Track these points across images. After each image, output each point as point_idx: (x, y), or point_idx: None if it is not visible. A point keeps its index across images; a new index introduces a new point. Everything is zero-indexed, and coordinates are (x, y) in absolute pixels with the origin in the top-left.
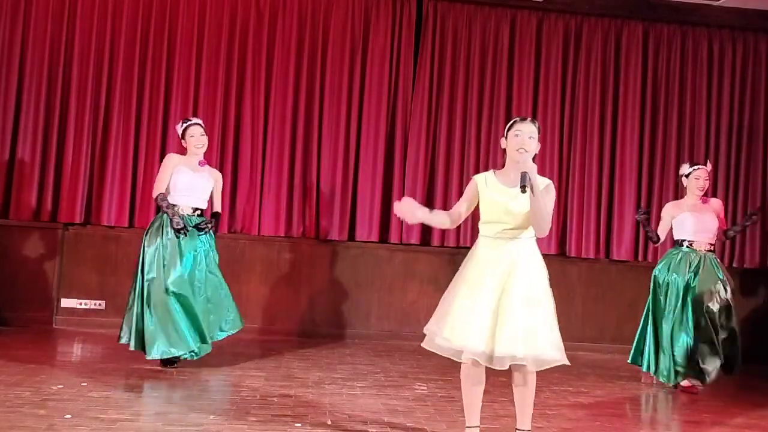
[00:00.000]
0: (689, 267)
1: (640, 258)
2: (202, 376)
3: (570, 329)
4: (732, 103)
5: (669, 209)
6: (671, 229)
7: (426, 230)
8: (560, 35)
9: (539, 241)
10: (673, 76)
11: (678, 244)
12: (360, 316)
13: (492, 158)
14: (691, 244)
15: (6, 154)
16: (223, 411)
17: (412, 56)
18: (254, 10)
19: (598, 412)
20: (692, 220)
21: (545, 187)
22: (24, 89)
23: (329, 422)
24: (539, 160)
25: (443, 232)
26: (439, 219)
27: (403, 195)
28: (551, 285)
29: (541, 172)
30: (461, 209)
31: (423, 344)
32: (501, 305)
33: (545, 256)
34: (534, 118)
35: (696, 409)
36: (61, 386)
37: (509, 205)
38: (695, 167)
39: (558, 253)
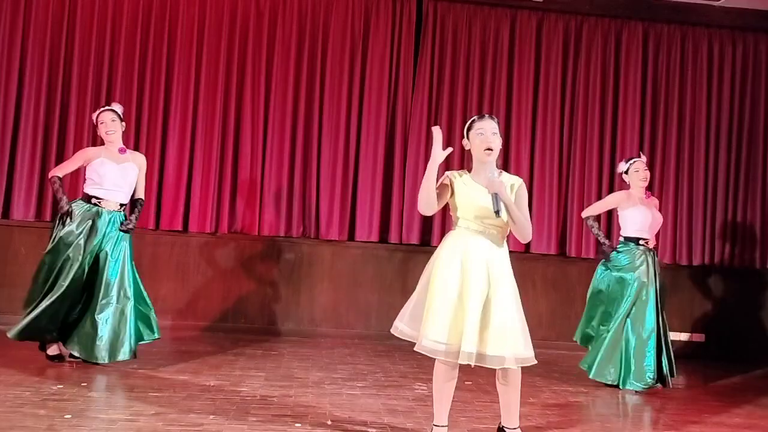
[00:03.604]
0: (648, 268)
1: None
2: (202, 376)
3: (570, 329)
4: (732, 103)
5: (620, 197)
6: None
7: (426, 230)
8: (560, 35)
9: (541, 240)
10: (673, 76)
11: (633, 241)
12: (360, 316)
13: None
14: (646, 242)
15: (6, 154)
16: (223, 411)
17: (412, 56)
18: (254, 10)
19: (598, 412)
20: (648, 215)
21: (519, 188)
22: (24, 89)
23: (329, 422)
24: (539, 159)
25: (442, 232)
26: (430, 184)
27: (403, 195)
28: (552, 285)
29: (541, 172)
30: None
31: (417, 348)
32: (487, 306)
33: (545, 256)
34: (492, 114)
35: (696, 409)
36: (61, 386)
37: (484, 204)
38: (632, 161)
39: (558, 253)
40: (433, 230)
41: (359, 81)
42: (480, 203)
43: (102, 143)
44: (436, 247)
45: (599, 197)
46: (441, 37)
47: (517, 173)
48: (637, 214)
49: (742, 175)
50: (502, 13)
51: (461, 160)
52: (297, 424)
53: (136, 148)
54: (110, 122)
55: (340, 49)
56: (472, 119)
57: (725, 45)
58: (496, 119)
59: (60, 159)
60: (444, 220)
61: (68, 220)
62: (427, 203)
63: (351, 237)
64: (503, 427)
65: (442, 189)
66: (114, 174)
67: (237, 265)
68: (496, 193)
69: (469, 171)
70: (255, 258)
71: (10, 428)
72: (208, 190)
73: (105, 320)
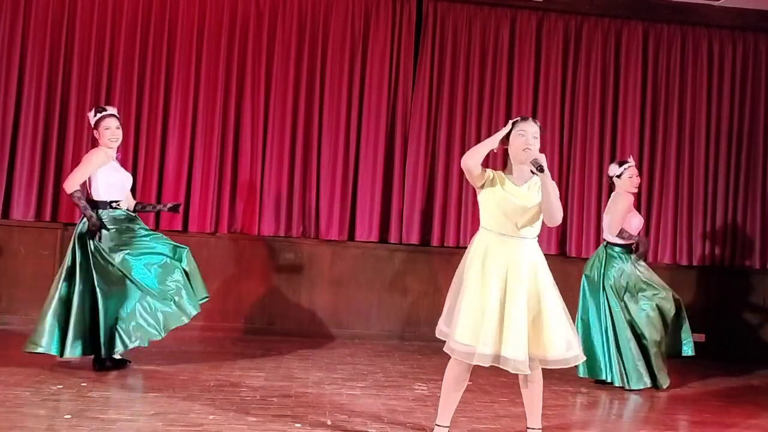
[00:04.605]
0: (642, 266)
1: None
2: (202, 376)
3: None
4: (732, 103)
5: (631, 200)
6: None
7: (426, 230)
8: (560, 35)
9: (541, 240)
10: (673, 76)
11: (627, 247)
12: (360, 316)
13: (492, 158)
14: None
15: (6, 154)
16: (223, 411)
17: (412, 56)
18: (254, 10)
19: (598, 412)
20: (640, 220)
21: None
22: (24, 89)
23: (329, 422)
24: None
25: (442, 232)
26: (488, 146)
27: (403, 195)
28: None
29: None
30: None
31: (445, 348)
32: (508, 307)
33: (545, 256)
34: (535, 118)
35: (697, 409)
36: (61, 386)
37: (519, 204)
38: (627, 165)
39: (558, 253)
40: (433, 230)
41: (359, 81)
42: (512, 202)
43: (95, 144)
44: (436, 247)
45: (599, 197)
46: (441, 37)
47: None
48: (636, 220)
49: (742, 175)
50: (502, 13)
51: (447, 165)
52: (297, 424)
53: (136, 148)
54: (116, 129)
55: (340, 49)
56: (515, 120)
57: (725, 45)
58: (539, 123)
59: (60, 158)
60: (444, 221)
61: (101, 234)
62: (477, 156)
63: (351, 237)
64: (527, 428)
65: (482, 171)
66: (126, 178)
67: (237, 265)
68: (536, 158)
69: (504, 171)
70: (255, 258)
71: (10, 428)
72: (207, 190)
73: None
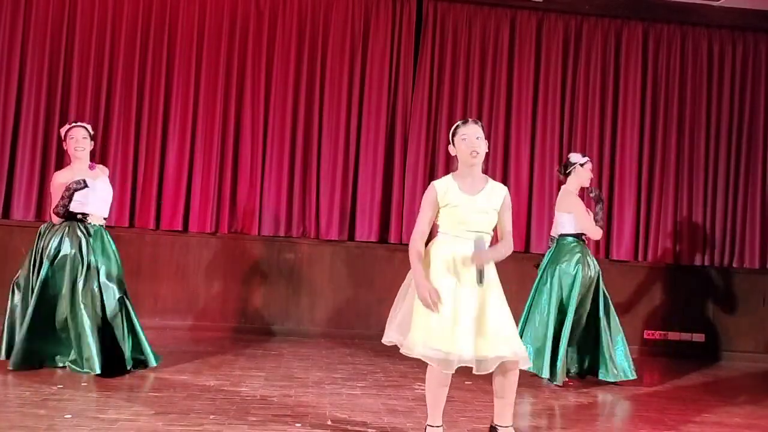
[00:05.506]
0: (593, 262)
1: (640, 258)
2: (202, 376)
3: None
4: (732, 103)
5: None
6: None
7: None
8: (560, 35)
9: (541, 241)
10: (673, 76)
11: (578, 237)
12: (360, 316)
13: (491, 158)
14: (586, 239)
15: (6, 154)
16: (223, 411)
17: (412, 56)
18: (254, 10)
19: (598, 412)
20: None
21: (505, 199)
22: (24, 90)
23: (329, 422)
24: (539, 159)
25: None
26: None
27: (403, 195)
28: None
29: (541, 172)
30: (427, 225)
31: (403, 351)
32: (483, 309)
33: (543, 257)
34: (477, 119)
35: (696, 408)
36: (61, 386)
37: (470, 213)
38: (587, 159)
39: None
40: (434, 230)
41: (359, 81)
42: (466, 212)
43: (68, 162)
44: None
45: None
46: (441, 37)
47: (517, 173)
48: (568, 216)
49: (742, 176)
50: (502, 13)
51: (447, 165)
52: (297, 424)
53: (137, 149)
54: (81, 139)
55: (340, 49)
56: (456, 125)
57: (725, 45)
58: (480, 123)
59: (60, 160)
60: None
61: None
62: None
63: (351, 237)
64: (496, 425)
65: (433, 202)
66: (95, 190)
67: (237, 265)
68: (480, 269)
69: (455, 175)
70: (255, 258)
71: (10, 428)
72: (208, 190)
73: (122, 333)
